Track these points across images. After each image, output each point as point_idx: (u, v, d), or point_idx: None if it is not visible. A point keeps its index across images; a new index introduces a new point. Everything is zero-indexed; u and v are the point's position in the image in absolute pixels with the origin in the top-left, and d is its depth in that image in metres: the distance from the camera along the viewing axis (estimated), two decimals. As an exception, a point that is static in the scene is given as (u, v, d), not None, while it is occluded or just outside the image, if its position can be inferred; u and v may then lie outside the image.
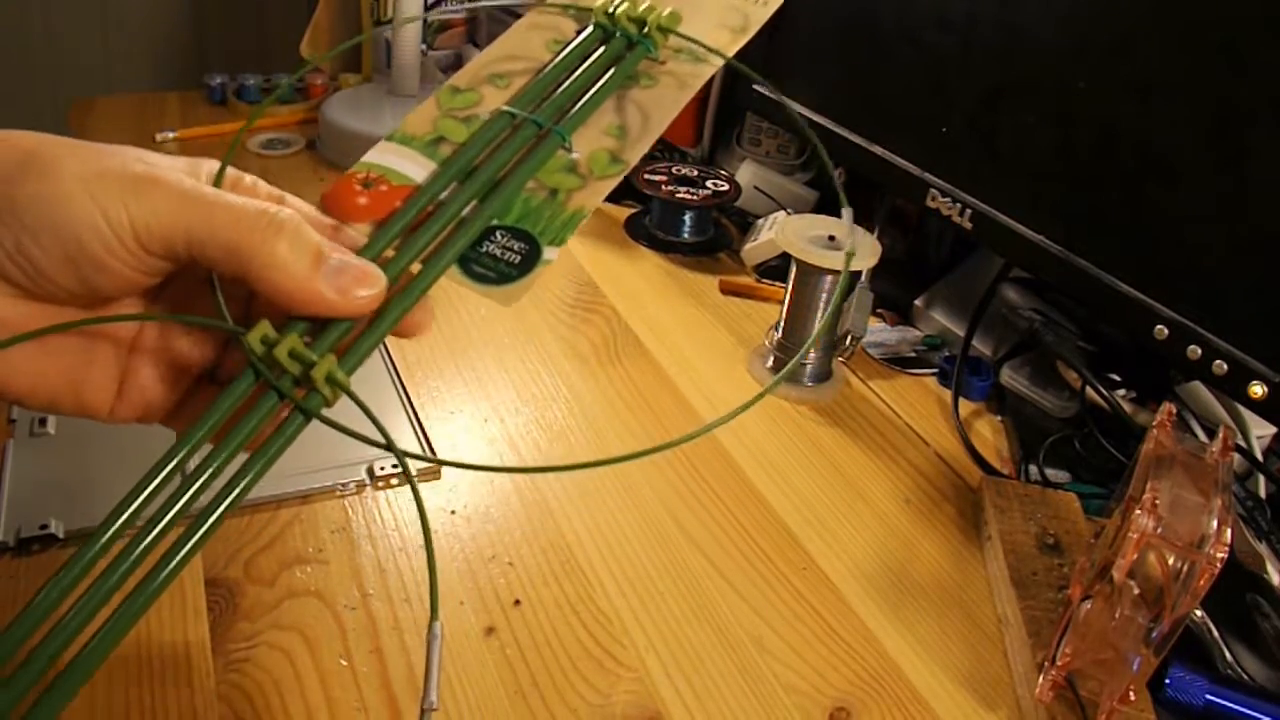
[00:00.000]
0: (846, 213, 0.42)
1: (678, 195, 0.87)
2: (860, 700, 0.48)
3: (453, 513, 0.57)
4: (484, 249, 0.33)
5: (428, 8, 1.12)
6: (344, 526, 0.55)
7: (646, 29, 0.37)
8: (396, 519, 0.55)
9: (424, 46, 1.14)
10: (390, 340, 0.71)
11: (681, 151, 1.02)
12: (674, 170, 0.92)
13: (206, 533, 0.27)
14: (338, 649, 0.48)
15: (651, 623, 0.51)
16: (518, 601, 0.51)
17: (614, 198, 0.97)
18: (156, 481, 0.27)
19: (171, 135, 1.01)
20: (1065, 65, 0.62)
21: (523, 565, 0.54)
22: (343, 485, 0.57)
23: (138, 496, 0.26)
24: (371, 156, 0.34)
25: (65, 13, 1.54)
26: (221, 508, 0.27)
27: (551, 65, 0.37)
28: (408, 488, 0.58)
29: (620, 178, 0.35)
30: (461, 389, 0.68)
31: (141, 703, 0.44)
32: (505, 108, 0.36)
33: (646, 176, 0.90)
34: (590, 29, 0.38)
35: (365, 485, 0.57)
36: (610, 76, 0.37)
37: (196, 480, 0.27)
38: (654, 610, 0.52)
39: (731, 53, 0.38)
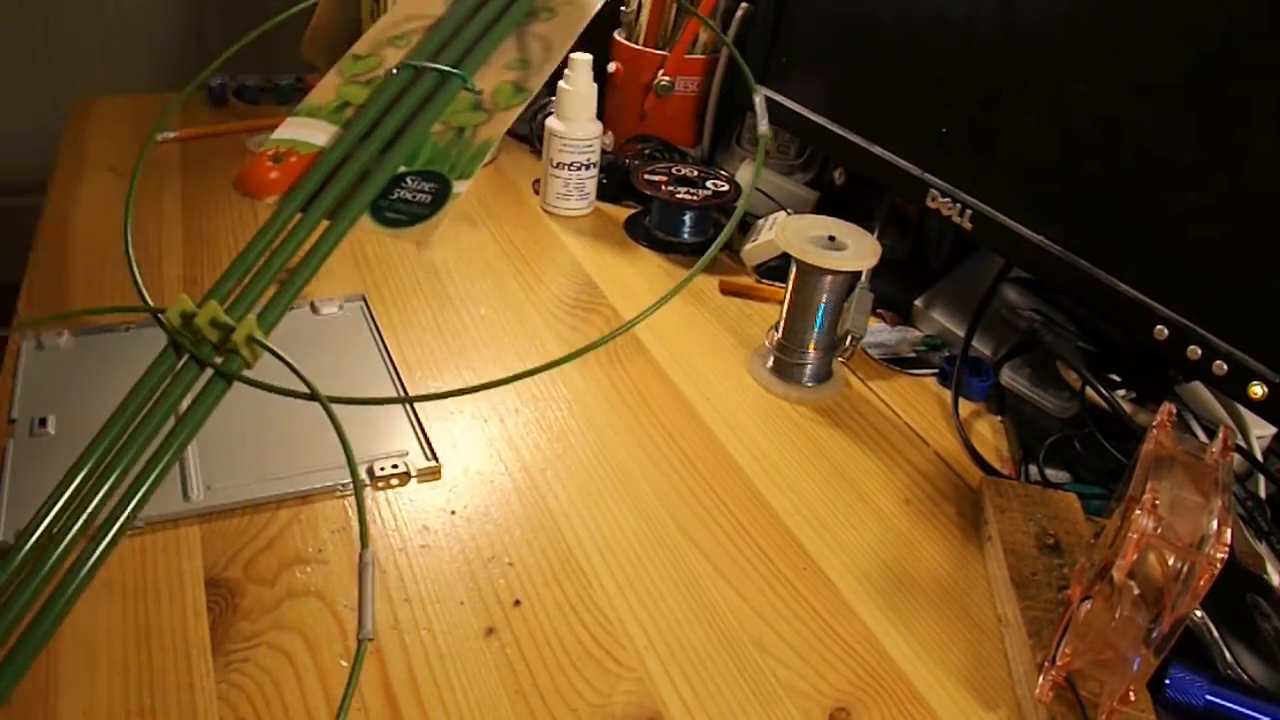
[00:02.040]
0: (759, 100, 0.40)
1: (678, 195, 0.87)
2: (860, 700, 0.48)
3: (453, 513, 0.57)
4: (395, 195, 0.34)
5: None
6: (344, 526, 0.55)
7: None
8: (396, 519, 0.56)
9: None
10: (390, 340, 0.71)
11: (681, 151, 1.02)
12: (674, 170, 0.92)
13: (139, 503, 0.27)
14: (338, 649, 0.48)
15: (651, 623, 0.51)
16: (518, 602, 0.51)
17: (614, 198, 0.97)
18: (84, 473, 0.27)
19: (172, 135, 1.01)
20: (1065, 65, 0.62)
21: (523, 565, 0.54)
22: (343, 485, 0.57)
23: (66, 487, 0.26)
24: (280, 133, 0.34)
25: (65, 13, 1.54)
26: (151, 477, 0.27)
27: (450, 15, 0.37)
28: (407, 489, 0.58)
29: (524, 105, 0.35)
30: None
31: (141, 703, 0.44)
32: (406, 62, 0.36)
33: (646, 176, 0.90)
34: None
35: (365, 485, 0.57)
36: (509, 15, 0.37)
37: (117, 466, 0.27)
38: (654, 610, 0.52)
39: None
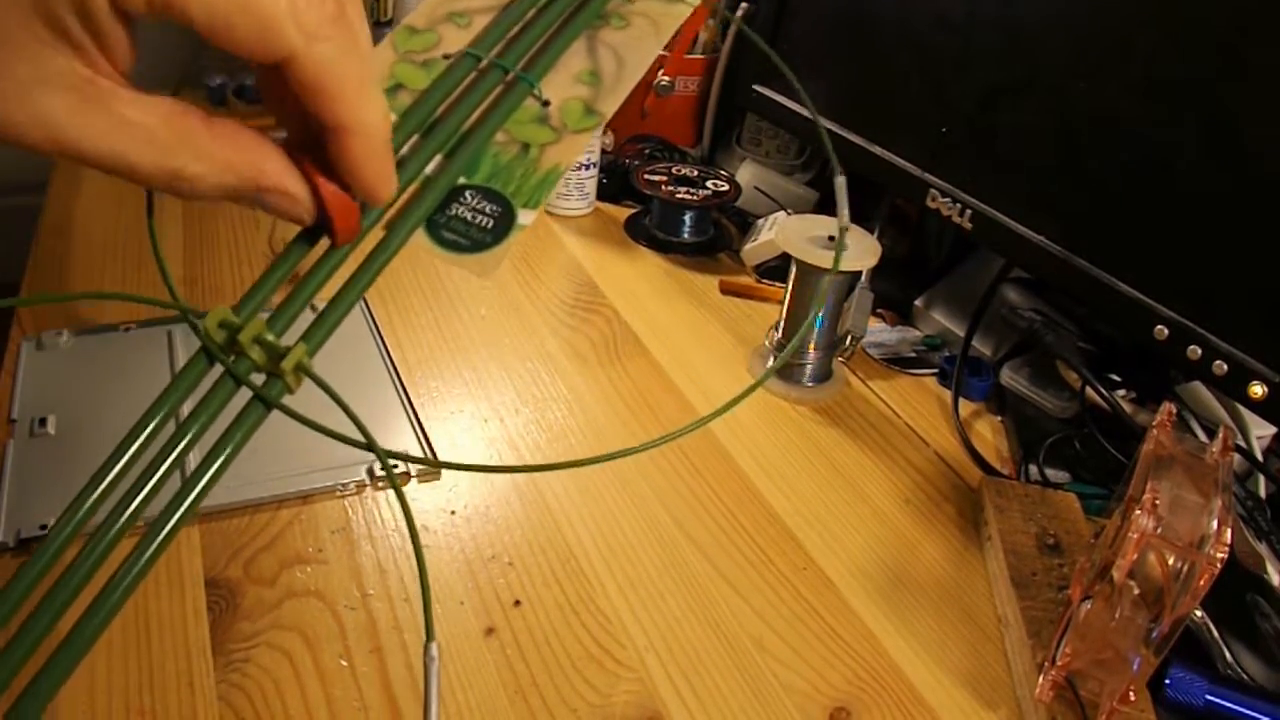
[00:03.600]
0: (841, 194, 0.37)
1: (678, 195, 0.87)
2: (860, 700, 0.48)
3: (452, 513, 0.56)
4: (453, 211, 0.30)
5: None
6: (344, 526, 0.55)
7: None
8: (396, 519, 0.55)
9: None
10: (390, 340, 0.71)
11: (681, 151, 1.02)
12: (674, 170, 0.92)
13: (174, 528, 0.25)
14: (338, 649, 0.48)
15: (651, 623, 0.51)
16: (518, 602, 0.51)
17: (614, 198, 0.97)
18: (115, 472, 0.25)
19: (171, 135, 1.01)
20: (1065, 65, 0.62)
21: (523, 565, 0.54)
22: (343, 485, 0.57)
23: (96, 487, 0.25)
24: None
25: (65, 13, 1.54)
26: (185, 504, 0.25)
27: (516, 2, 0.34)
28: (407, 489, 0.58)
29: (597, 130, 0.32)
30: (461, 389, 0.68)
31: (142, 703, 0.44)
32: (469, 50, 0.33)
33: (646, 176, 0.90)
34: None
35: (365, 485, 0.57)
36: (581, 14, 0.34)
37: (155, 472, 0.26)
38: (654, 610, 0.52)
39: None
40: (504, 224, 0.30)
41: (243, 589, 0.50)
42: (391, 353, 0.70)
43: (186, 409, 0.27)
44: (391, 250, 0.29)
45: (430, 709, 0.27)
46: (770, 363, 0.73)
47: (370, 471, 0.58)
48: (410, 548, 0.54)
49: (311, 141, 0.28)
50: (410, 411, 0.64)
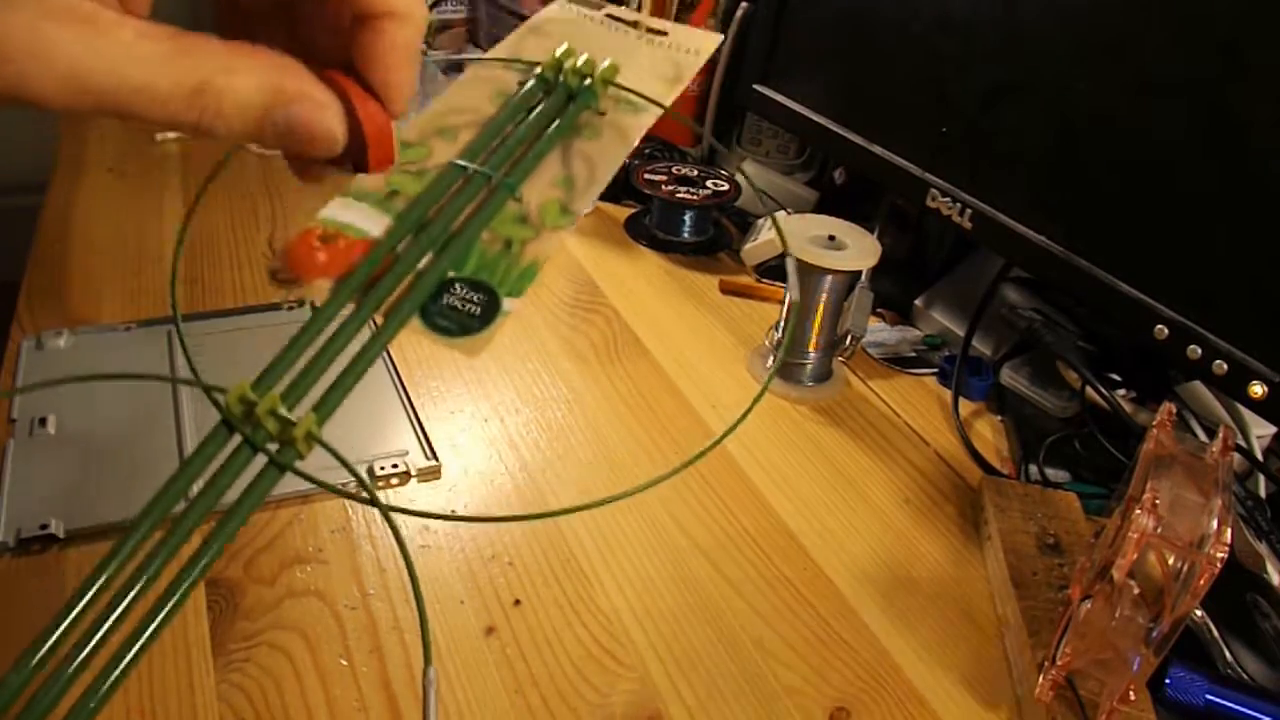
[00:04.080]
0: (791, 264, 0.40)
1: (678, 195, 0.87)
2: (860, 700, 0.48)
3: (453, 513, 0.56)
4: (444, 301, 0.34)
5: (428, 8, 1.12)
6: (344, 526, 0.55)
7: (589, 80, 0.38)
8: (396, 519, 0.55)
9: (423, 47, 1.14)
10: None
11: (681, 151, 1.02)
12: (674, 170, 0.92)
13: (190, 585, 0.27)
14: (338, 649, 0.48)
15: (651, 623, 0.51)
16: (518, 601, 0.51)
17: (614, 198, 0.97)
18: (138, 537, 0.27)
19: (172, 135, 1.01)
20: (1065, 65, 0.62)
21: (523, 565, 0.54)
22: (343, 486, 0.57)
23: (122, 550, 0.27)
24: (327, 213, 0.35)
25: (65, 13, 1.54)
26: (205, 559, 0.28)
27: (496, 118, 0.38)
28: (407, 488, 0.58)
29: (571, 228, 0.36)
30: (461, 389, 0.68)
31: (141, 703, 0.44)
32: (456, 161, 0.36)
33: (646, 176, 0.90)
34: (532, 82, 0.39)
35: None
36: (555, 128, 0.38)
37: (177, 536, 0.28)
38: (654, 610, 0.52)
39: (668, 101, 0.39)
40: (490, 311, 0.34)
41: (243, 589, 0.50)
42: (392, 353, 0.70)
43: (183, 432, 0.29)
44: (388, 335, 0.32)
45: None
46: (770, 363, 0.73)
47: (370, 472, 0.58)
48: (410, 547, 0.54)
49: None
50: (410, 411, 0.64)
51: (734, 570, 0.55)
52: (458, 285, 0.34)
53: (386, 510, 0.30)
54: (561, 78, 0.38)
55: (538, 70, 0.39)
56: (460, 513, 0.56)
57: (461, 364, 0.70)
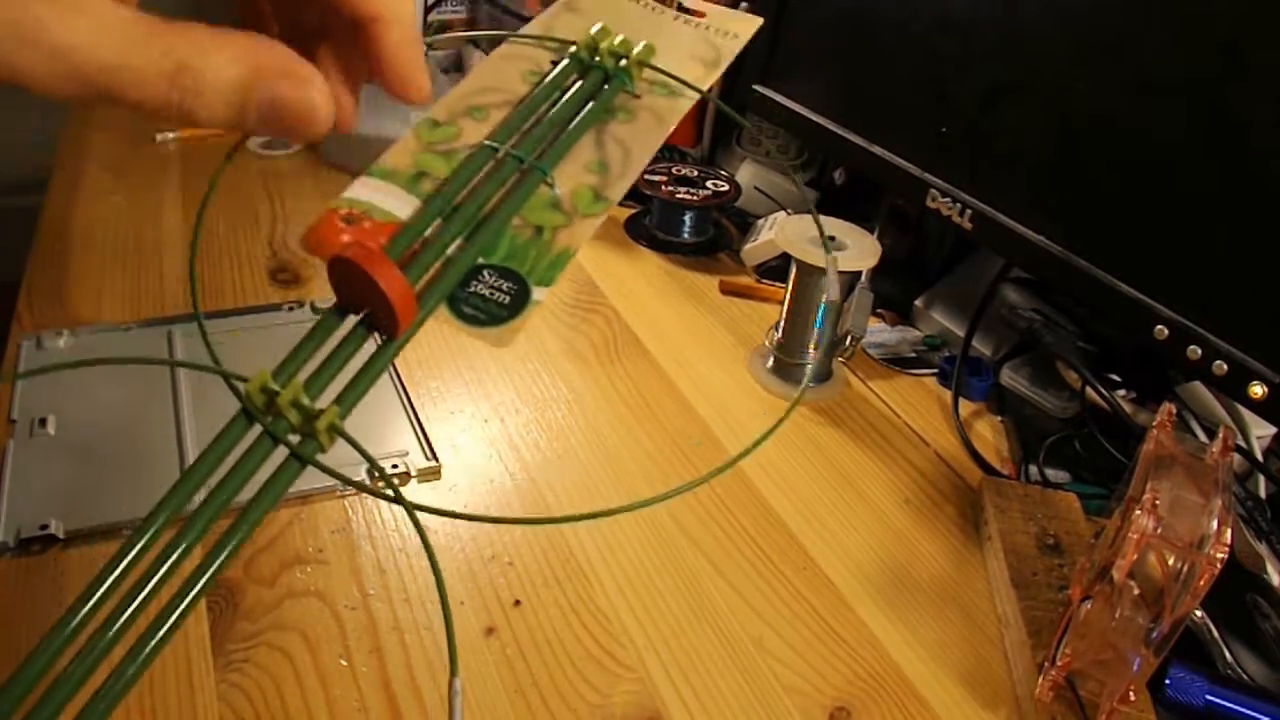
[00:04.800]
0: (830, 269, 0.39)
1: (678, 195, 0.87)
2: (860, 700, 0.48)
3: (467, 510, 0.56)
4: (472, 289, 0.32)
5: (428, 8, 1.12)
6: (344, 526, 0.55)
7: (625, 62, 0.37)
8: (396, 519, 0.55)
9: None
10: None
11: (681, 151, 1.02)
12: (674, 170, 0.92)
13: (209, 581, 0.27)
14: (338, 649, 0.48)
15: (651, 623, 0.51)
16: (518, 602, 0.51)
17: (614, 198, 0.97)
18: (156, 527, 0.27)
19: (172, 135, 1.01)
20: (1065, 65, 0.62)
21: (523, 565, 0.54)
22: (343, 485, 0.57)
23: (139, 540, 0.26)
24: (352, 192, 0.33)
25: (65, 13, 1.54)
26: (225, 551, 0.27)
27: (529, 98, 0.37)
28: (407, 489, 0.58)
29: (604, 216, 0.35)
30: (461, 389, 0.68)
31: (141, 703, 0.44)
32: (486, 142, 0.35)
33: (646, 176, 0.90)
34: (566, 61, 0.37)
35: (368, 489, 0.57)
36: (589, 110, 0.36)
37: (195, 527, 0.27)
38: (654, 610, 0.52)
39: (706, 86, 0.37)
40: (520, 300, 0.32)
41: (243, 589, 0.50)
42: (391, 353, 0.70)
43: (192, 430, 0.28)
44: (416, 323, 0.31)
45: None
46: (770, 363, 0.73)
47: (370, 472, 0.58)
48: (410, 546, 0.54)
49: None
50: (410, 411, 0.64)
51: (734, 570, 0.55)
52: (487, 273, 0.33)
53: (411, 508, 0.30)
54: (596, 58, 0.37)
55: (572, 49, 0.37)
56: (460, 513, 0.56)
57: (461, 364, 0.70)
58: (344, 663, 0.47)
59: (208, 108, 0.24)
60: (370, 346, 0.30)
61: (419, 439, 0.62)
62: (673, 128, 0.36)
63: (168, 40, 0.24)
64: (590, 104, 0.37)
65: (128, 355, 0.66)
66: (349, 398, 0.30)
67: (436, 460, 0.60)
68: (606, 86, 0.37)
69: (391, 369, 0.68)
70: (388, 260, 0.29)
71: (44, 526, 0.51)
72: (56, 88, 0.23)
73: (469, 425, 0.64)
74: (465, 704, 0.46)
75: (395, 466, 0.58)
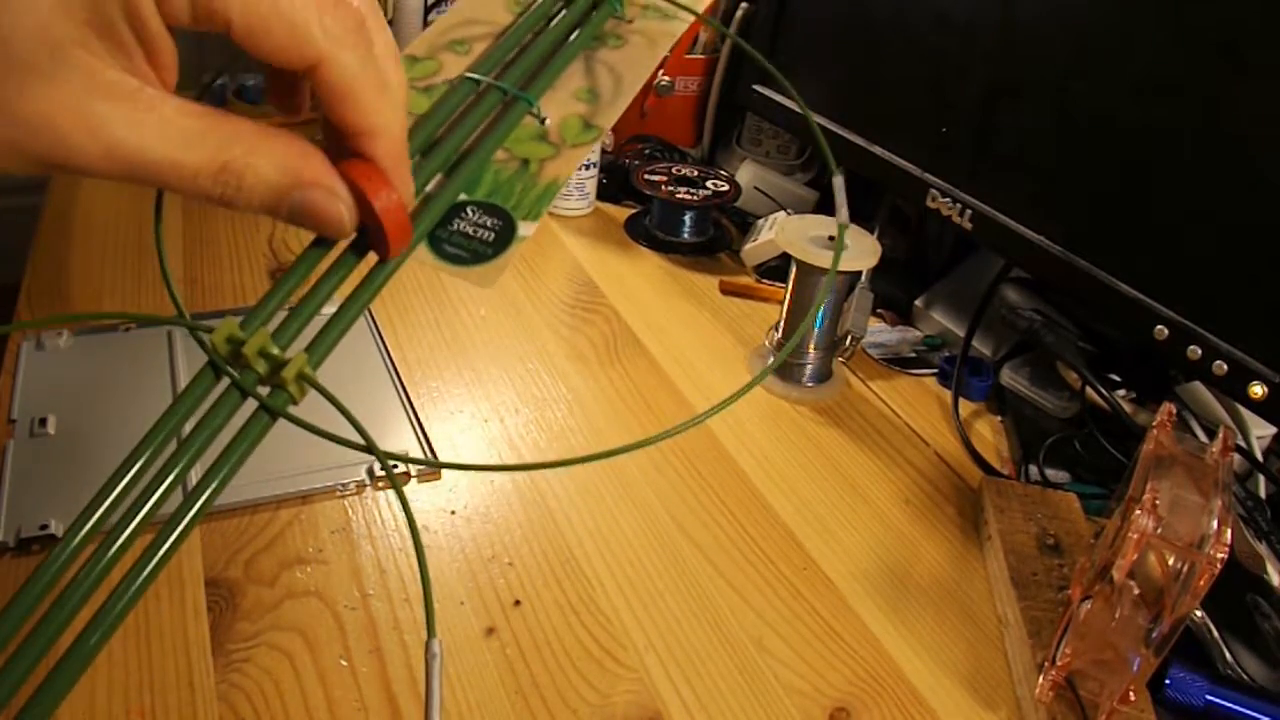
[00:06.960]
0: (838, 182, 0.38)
1: (678, 195, 0.87)
2: (860, 700, 0.48)
3: (452, 513, 0.56)
4: (455, 227, 0.31)
5: (428, 8, 1.12)
6: (344, 526, 0.55)
7: None
8: (396, 519, 0.55)
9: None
10: (390, 340, 0.71)
11: (681, 151, 1.02)
12: (674, 170, 0.92)
13: (179, 538, 0.26)
14: (338, 649, 0.48)
15: (651, 623, 0.51)
16: (518, 602, 0.51)
17: (614, 198, 0.97)
18: (124, 483, 0.26)
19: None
20: (1065, 65, 0.62)
21: (523, 565, 0.54)
22: (343, 485, 0.57)
23: (105, 499, 0.26)
24: None
25: (65, 13, 1.54)
26: (191, 512, 0.26)
27: (514, 28, 0.35)
28: (407, 489, 0.58)
29: (595, 144, 0.33)
30: (461, 389, 0.68)
31: (142, 703, 0.44)
32: (468, 74, 0.34)
33: (646, 176, 0.90)
34: None
35: (365, 485, 0.57)
36: (577, 36, 0.35)
37: (160, 484, 0.26)
38: (654, 610, 0.52)
39: (701, 8, 0.36)
40: (505, 236, 0.31)
41: (243, 589, 0.50)
42: (392, 352, 0.70)
43: (188, 424, 0.28)
44: (395, 264, 0.30)
45: (432, 706, 0.27)
46: (770, 362, 0.73)
47: (370, 471, 0.58)
48: (410, 546, 0.54)
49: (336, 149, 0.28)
50: (410, 411, 0.64)
51: (734, 570, 0.55)
52: (470, 209, 0.32)
53: (384, 457, 0.29)
54: None
55: None
56: (460, 512, 0.56)
57: (461, 364, 0.70)
58: (344, 663, 0.47)
59: (246, 201, 0.26)
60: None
61: (419, 439, 0.62)
62: (666, 51, 0.35)
63: (219, 137, 0.25)
64: (578, 30, 0.35)
65: (127, 355, 0.66)
66: (321, 345, 0.28)
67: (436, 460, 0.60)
68: (595, 12, 0.35)
69: (391, 369, 0.68)
70: (384, 175, 0.28)
71: (44, 526, 0.51)
72: (104, 172, 0.24)
73: (469, 425, 0.64)
74: (465, 703, 0.46)
75: (395, 466, 0.58)
